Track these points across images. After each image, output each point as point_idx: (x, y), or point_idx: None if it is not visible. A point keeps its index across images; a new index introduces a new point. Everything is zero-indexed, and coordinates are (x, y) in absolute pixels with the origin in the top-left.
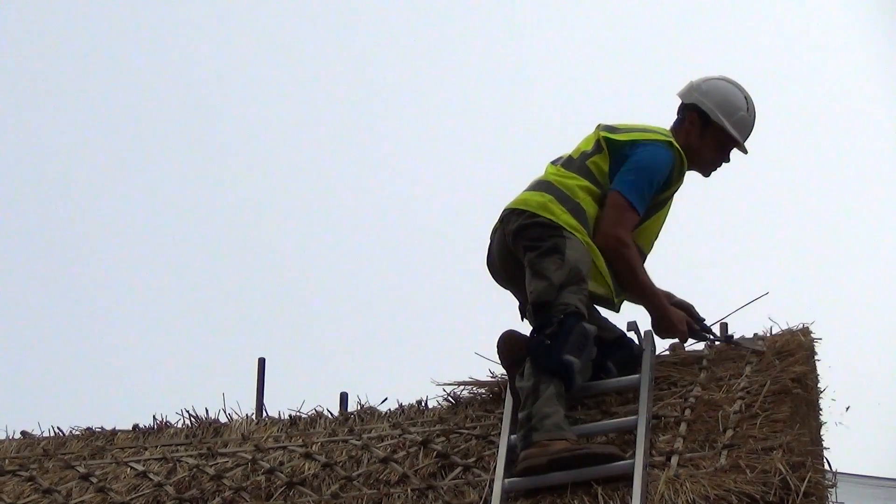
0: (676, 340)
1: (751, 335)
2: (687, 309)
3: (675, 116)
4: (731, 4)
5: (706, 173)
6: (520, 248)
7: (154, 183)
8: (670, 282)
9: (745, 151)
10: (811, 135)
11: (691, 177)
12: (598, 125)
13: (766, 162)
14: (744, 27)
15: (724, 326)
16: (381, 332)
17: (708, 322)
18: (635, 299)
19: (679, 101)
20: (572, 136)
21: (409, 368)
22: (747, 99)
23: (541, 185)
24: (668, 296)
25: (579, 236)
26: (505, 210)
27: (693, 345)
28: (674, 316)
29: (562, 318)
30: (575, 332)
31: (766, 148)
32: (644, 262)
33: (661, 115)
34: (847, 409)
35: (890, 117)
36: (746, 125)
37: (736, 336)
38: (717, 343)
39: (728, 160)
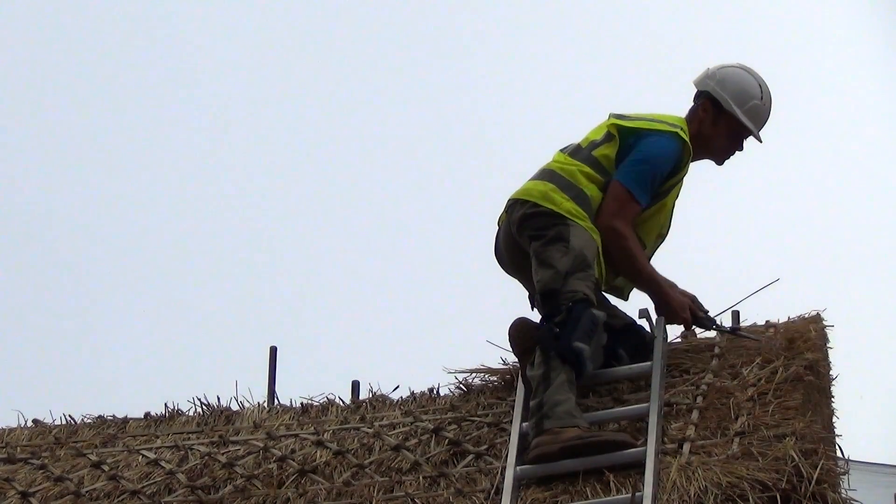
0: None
1: (762, 322)
2: (690, 298)
3: (692, 104)
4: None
5: (719, 161)
6: (525, 237)
7: (166, 173)
8: (682, 269)
9: (759, 140)
10: (822, 122)
11: (703, 164)
12: (610, 114)
13: (777, 149)
14: (750, 23)
15: (735, 314)
16: (392, 319)
17: (711, 312)
18: (638, 287)
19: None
20: (584, 123)
21: (421, 356)
22: (762, 87)
23: (544, 174)
24: (672, 285)
25: (582, 223)
26: (509, 200)
27: (702, 333)
28: (675, 302)
29: (570, 306)
30: (584, 318)
31: (777, 135)
32: (653, 253)
33: (669, 109)
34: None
35: None
36: (760, 114)
37: (744, 326)
38: (720, 333)
39: (741, 149)
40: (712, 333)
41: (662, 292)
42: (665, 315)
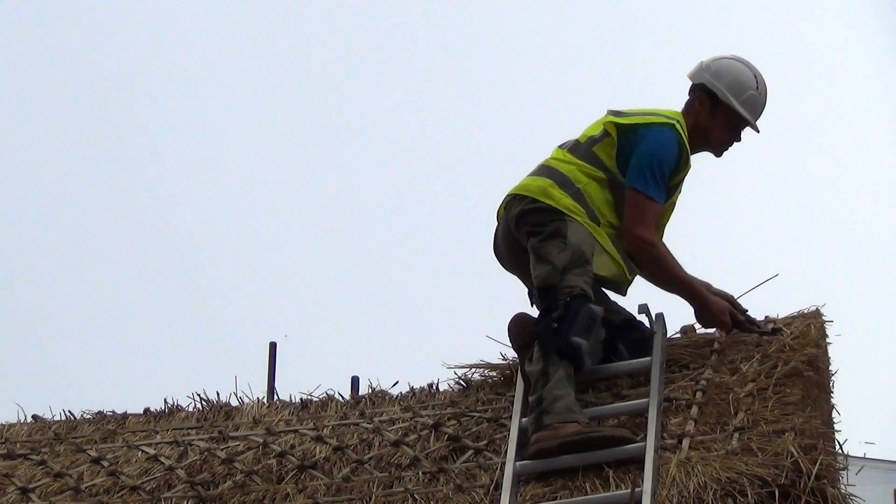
0: (699, 327)
1: (761, 318)
2: (728, 299)
3: (688, 97)
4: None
5: (718, 153)
6: (522, 233)
7: (164, 169)
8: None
9: (756, 130)
10: (822, 117)
11: (701, 158)
12: (607, 110)
13: (776, 144)
14: (749, 20)
15: None
16: (392, 315)
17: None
18: (675, 293)
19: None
20: (583, 118)
21: (421, 352)
22: (757, 78)
23: (542, 170)
24: (707, 286)
25: (580, 219)
26: (507, 195)
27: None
28: (715, 307)
29: (568, 301)
30: (582, 313)
31: (776, 130)
32: None
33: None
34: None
35: None
36: (756, 104)
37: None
38: (764, 336)
39: (739, 140)
40: (712, 328)
41: (701, 297)
42: (705, 320)
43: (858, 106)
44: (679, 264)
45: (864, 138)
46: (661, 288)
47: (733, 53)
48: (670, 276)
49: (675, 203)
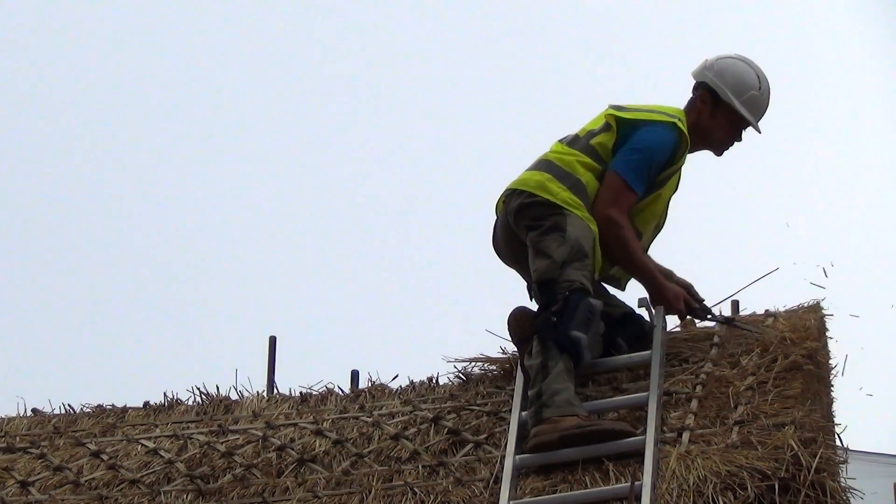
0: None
1: (761, 311)
2: (686, 287)
3: (691, 95)
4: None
5: (718, 152)
6: (521, 227)
7: (164, 164)
8: (681, 259)
9: (758, 131)
10: (822, 112)
11: (702, 154)
12: (609, 105)
13: (776, 138)
14: (749, 17)
15: (735, 303)
16: (391, 309)
17: (708, 302)
18: (633, 276)
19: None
20: (583, 113)
21: (420, 345)
22: (760, 78)
23: (541, 164)
24: (669, 274)
25: (579, 213)
26: (506, 190)
27: (700, 323)
28: (669, 293)
29: (567, 295)
30: (581, 307)
31: (777, 124)
32: (650, 243)
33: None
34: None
35: None
36: (758, 105)
37: (744, 315)
38: (717, 324)
39: (740, 139)
40: (711, 322)
41: (657, 283)
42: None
43: (858, 103)
44: (642, 251)
45: (865, 131)
46: (622, 269)
47: (738, 53)
48: (631, 260)
49: (668, 198)
